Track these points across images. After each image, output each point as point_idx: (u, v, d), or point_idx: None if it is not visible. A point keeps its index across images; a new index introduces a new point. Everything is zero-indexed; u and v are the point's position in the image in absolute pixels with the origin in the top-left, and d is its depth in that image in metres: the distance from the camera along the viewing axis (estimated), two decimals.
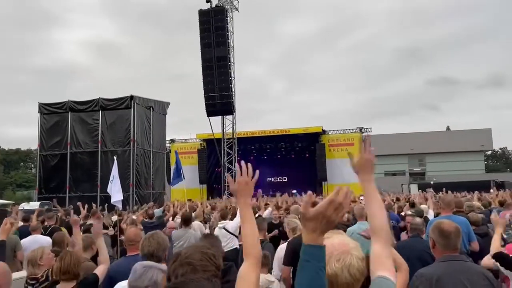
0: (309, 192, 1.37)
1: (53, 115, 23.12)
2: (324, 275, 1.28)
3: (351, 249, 1.47)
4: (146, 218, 9.65)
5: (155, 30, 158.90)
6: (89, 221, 8.66)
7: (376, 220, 1.74)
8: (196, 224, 7.62)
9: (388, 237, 1.72)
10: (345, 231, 6.05)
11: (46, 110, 23.20)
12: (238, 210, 7.49)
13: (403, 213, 9.09)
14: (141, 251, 2.94)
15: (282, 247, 4.73)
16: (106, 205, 11.66)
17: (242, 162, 1.97)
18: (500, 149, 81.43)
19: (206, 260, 1.69)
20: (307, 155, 37.30)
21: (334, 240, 1.48)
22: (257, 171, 1.94)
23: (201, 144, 36.62)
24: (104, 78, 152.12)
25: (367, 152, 1.85)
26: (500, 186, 32.30)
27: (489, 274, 2.79)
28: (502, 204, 10.08)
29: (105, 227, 8.25)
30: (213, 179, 35.08)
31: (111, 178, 8.23)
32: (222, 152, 29.91)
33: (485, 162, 66.04)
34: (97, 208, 9.78)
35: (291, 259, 4.24)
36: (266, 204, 11.93)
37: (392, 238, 6.20)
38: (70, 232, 5.82)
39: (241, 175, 1.95)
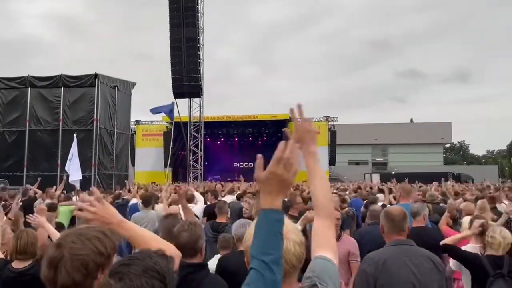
0: (259, 155, 1.31)
1: (11, 90, 22.05)
2: (281, 240, 1.23)
3: (288, 232, 1.37)
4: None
5: (122, 6, 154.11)
6: (46, 201, 8.45)
7: (318, 197, 1.64)
8: (159, 207, 7.53)
9: (330, 214, 1.64)
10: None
11: (4, 84, 22.10)
12: (195, 196, 7.48)
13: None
14: None
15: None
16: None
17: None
18: (458, 142, 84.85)
19: (81, 241, 1.43)
20: (274, 141, 37.51)
21: (293, 224, 1.43)
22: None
23: (167, 126, 36.05)
24: (67, 54, 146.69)
25: (302, 121, 1.67)
26: (456, 178, 33.65)
27: (435, 258, 2.90)
28: (456, 194, 10.73)
29: None
30: (178, 163, 34.74)
31: (69, 156, 7.93)
32: (189, 135, 29.58)
33: (444, 155, 68.64)
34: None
35: None
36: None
37: (352, 225, 6.36)
38: (26, 213, 5.63)
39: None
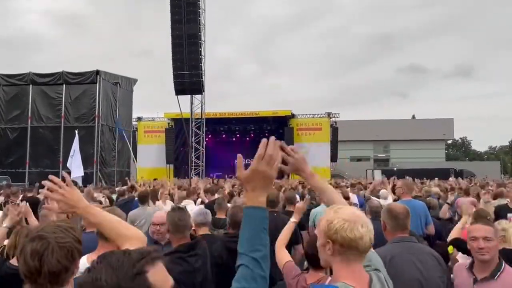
0: (239, 155, 1.38)
1: (12, 87, 22.09)
2: (267, 236, 1.27)
3: (367, 218, 1.62)
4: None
5: (123, 1, 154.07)
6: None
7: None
8: (158, 203, 7.53)
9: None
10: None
11: (5, 81, 22.15)
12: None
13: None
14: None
15: None
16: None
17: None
18: (460, 138, 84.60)
19: (61, 232, 1.58)
20: (275, 137, 37.41)
21: (354, 210, 1.65)
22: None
23: (168, 123, 36.08)
24: (68, 51, 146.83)
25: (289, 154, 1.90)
26: (459, 174, 33.57)
27: (437, 254, 2.94)
28: (451, 190, 10.76)
29: None
30: (180, 159, 34.77)
31: (71, 153, 7.92)
32: (190, 132, 29.58)
33: (446, 151, 68.46)
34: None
35: None
36: (234, 186, 12.00)
37: None
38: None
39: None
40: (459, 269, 2.93)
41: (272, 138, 1.36)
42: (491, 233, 2.74)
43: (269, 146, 1.33)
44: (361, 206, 8.31)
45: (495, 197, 7.29)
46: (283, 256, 2.87)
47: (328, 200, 1.91)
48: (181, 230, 3.04)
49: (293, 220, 3.29)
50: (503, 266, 2.72)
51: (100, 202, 7.54)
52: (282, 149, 1.69)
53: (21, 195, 9.15)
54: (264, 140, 1.34)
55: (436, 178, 17.36)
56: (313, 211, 6.15)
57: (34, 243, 1.53)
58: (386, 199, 7.60)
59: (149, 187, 10.69)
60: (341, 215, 1.58)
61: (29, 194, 9.65)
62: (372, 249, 1.70)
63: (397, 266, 2.70)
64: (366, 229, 1.55)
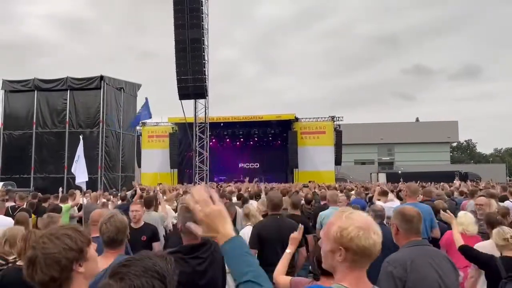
0: (191, 225, 1.43)
1: (17, 93, 22.27)
2: (250, 256, 1.33)
3: (375, 223, 1.61)
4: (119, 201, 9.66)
5: (125, 4, 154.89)
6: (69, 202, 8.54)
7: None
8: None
9: None
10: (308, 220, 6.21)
11: (11, 87, 22.33)
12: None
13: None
14: (101, 235, 2.89)
15: (244, 231, 4.77)
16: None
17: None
18: (465, 141, 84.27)
19: (51, 241, 1.53)
20: (279, 142, 37.48)
21: (365, 216, 1.61)
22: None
23: (172, 128, 36.15)
24: (71, 54, 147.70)
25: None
26: (464, 177, 33.39)
27: (450, 258, 2.92)
28: (462, 194, 10.71)
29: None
30: (184, 164, 34.81)
31: (76, 158, 7.94)
32: (194, 136, 29.62)
33: (451, 154, 68.19)
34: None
35: (256, 242, 4.29)
36: (240, 190, 11.98)
37: None
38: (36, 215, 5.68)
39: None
40: None
41: (193, 188, 1.48)
42: None
43: (193, 196, 1.40)
44: (364, 208, 8.35)
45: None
46: (284, 279, 2.86)
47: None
48: (186, 231, 3.11)
49: (288, 251, 3.21)
50: None
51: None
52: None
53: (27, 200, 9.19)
54: (188, 196, 1.47)
55: (441, 183, 17.28)
56: (321, 213, 6.22)
57: (29, 252, 1.55)
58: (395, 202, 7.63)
59: (154, 191, 10.75)
60: (355, 222, 1.54)
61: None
62: None
63: (419, 270, 2.68)
64: (378, 236, 1.55)
